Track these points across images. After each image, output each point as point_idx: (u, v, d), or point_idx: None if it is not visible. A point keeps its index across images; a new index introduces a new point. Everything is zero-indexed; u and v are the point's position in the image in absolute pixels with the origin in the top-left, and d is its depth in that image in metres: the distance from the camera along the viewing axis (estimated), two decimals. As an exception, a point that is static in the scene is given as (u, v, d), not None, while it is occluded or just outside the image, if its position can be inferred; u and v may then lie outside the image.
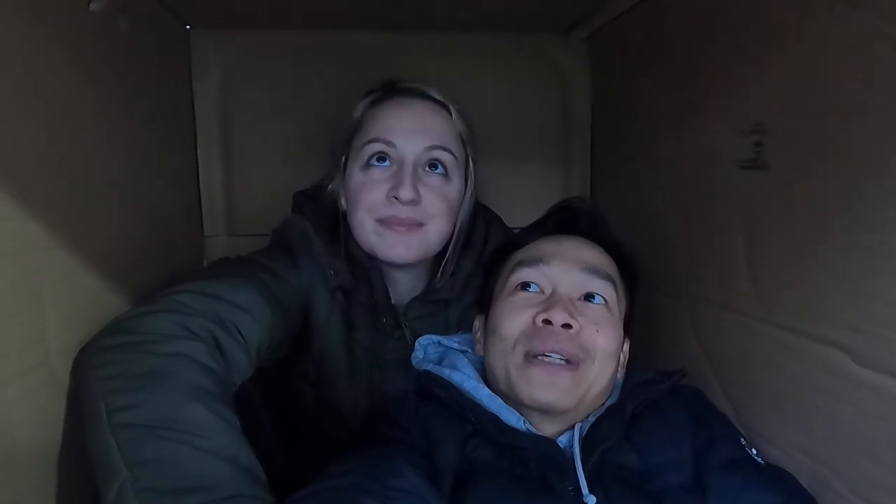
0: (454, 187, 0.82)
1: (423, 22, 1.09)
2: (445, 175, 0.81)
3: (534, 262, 0.68)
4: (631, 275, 0.73)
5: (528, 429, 0.63)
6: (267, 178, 1.13)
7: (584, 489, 0.57)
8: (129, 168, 0.76)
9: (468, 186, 0.85)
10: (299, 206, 0.86)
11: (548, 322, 0.63)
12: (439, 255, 0.84)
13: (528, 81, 1.18)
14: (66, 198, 0.60)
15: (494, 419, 0.63)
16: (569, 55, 1.18)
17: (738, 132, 0.69)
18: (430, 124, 0.80)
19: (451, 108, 0.83)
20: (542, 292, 0.67)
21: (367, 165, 0.79)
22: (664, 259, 0.88)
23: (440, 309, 0.86)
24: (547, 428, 0.64)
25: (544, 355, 0.62)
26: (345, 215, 0.83)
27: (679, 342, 0.84)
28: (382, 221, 0.78)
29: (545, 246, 0.70)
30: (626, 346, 0.71)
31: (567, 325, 0.63)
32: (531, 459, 0.60)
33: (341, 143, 0.84)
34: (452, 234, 0.84)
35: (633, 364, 0.72)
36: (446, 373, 0.69)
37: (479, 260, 0.86)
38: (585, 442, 0.61)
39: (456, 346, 0.76)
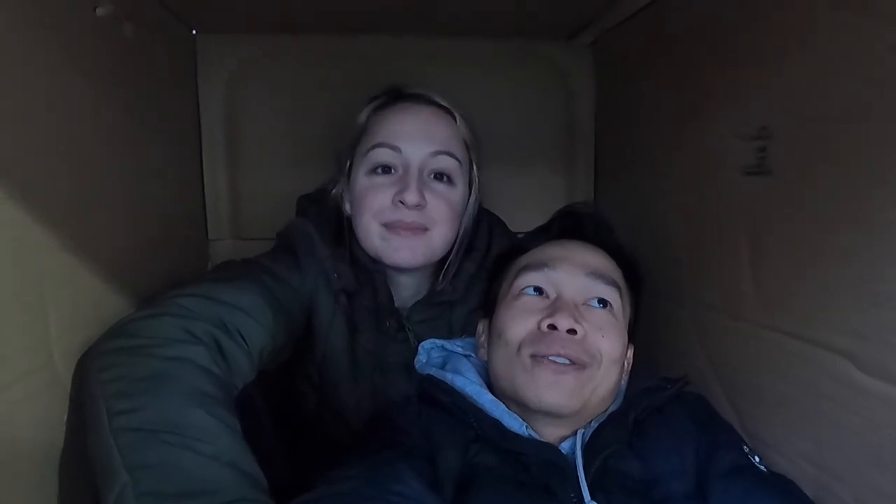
0: (458, 193, 0.82)
1: (427, 27, 1.09)
2: (450, 181, 0.81)
3: (539, 266, 0.68)
4: (636, 280, 0.73)
5: (530, 434, 0.63)
6: (271, 181, 1.13)
7: (586, 496, 0.57)
8: (133, 172, 0.77)
9: (472, 191, 0.86)
10: (303, 209, 0.86)
11: (553, 327, 0.63)
12: (443, 259, 0.85)
13: (532, 86, 1.19)
14: (70, 202, 0.60)
15: (497, 424, 0.63)
16: (572, 60, 1.18)
17: (741, 137, 0.69)
18: (435, 130, 0.81)
19: (455, 113, 0.83)
20: (547, 297, 0.67)
21: (373, 171, 0.80)
22: (668, 264, 0.87)
23: (444, 312, 0.86)
24: (549, 434, 0.64)
25: (549, 357, 0.62)
26: (349, 219, 0.83)
27: (683, 348, 0.84)
28: (388, 226, 0.79)
29: (550, 250, 0.70)
30: (631, 352, 0.71)
31: (572, 331, 0.62)
32: (533, 465, 0.60)
33: (346, 147, 0.84)
34: (456, 239, 0.84)
35: (637, 370, 0.72)
36: (449, 377, 0.68)
37: (483, 263, 0.86)
38: (588, 448, 0.61)
39: (459, 350, 0.76)
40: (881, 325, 0.53)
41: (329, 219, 0.84)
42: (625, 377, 0.70)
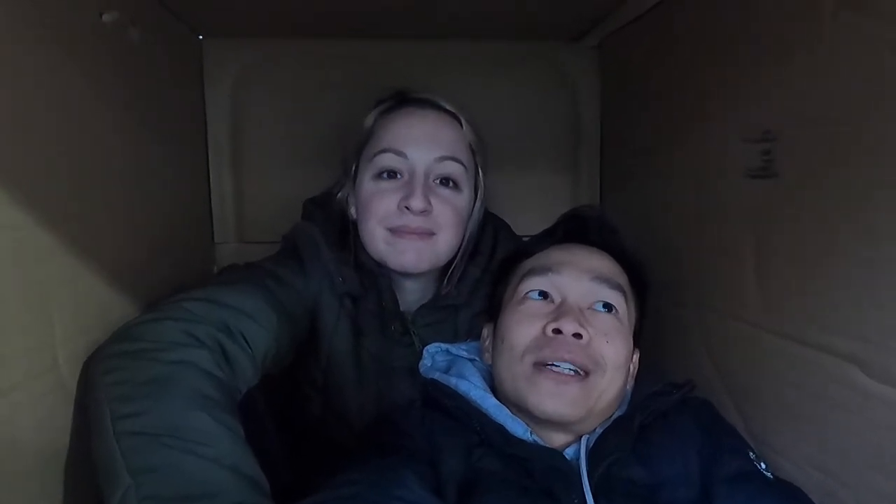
0: (464, 198, 0.82)
1: (432, 30, 1.09)
2: (456, 187, 0.81)
3: (543, 270, 0.68)
4: (641, 284, 0.72)
5: (534, 440, 0.62)
6: (277, 185, 1.14)
7: (590, 502, 0.57)
8: (139, 176, 0.77)
9: (478, 196, 0.85)
10: (309, 213, 0.86)
11: (558, 331, 0.62)
12: (447, 264, 0.84)
13: (538, 89, 1.18)
14: (75, 205, 0.61)
15: (501, 429, 0.62)
16: (578, 63, 1.18)
17: (746, 140, 0.69)
18: (441, 135, 0.81)
19: (461, 118, 0.83)
20: (552, 301, 0.66)
21: (378, 176, 0.80)
22: (672, 267, 0.87)
23: (449, 316, 0.85)
24: (554, 439, 0.64)
25: (553, 365, 0.62)
26: (354, 223, 0.83)
27: (688, 352, 0.84)
28: (393, 231, 0.79)
29: (555, 255, 0.70)
30: (636, 357, 0.71)
31: (577, 335, 0.62)
32: (537, 471, 0.60)
33: (352, 151, 0.84)
34: (462, 243, 0.84)
35: (643, 375, 0.71)
36: (453, 381, 0.68)
37: (488, 267, 0.85)
38: (592, 454, 0.61)
39: (464, 354, 0.76)
40: (887, 330, 0.52)
41: (334, 223, 0.84)
42: (630, 382, 0.70)
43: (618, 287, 0.67)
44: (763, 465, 0.61)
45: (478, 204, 0.85)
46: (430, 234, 0.79)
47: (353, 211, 0.84)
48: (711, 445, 0.62)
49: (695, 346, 0.82)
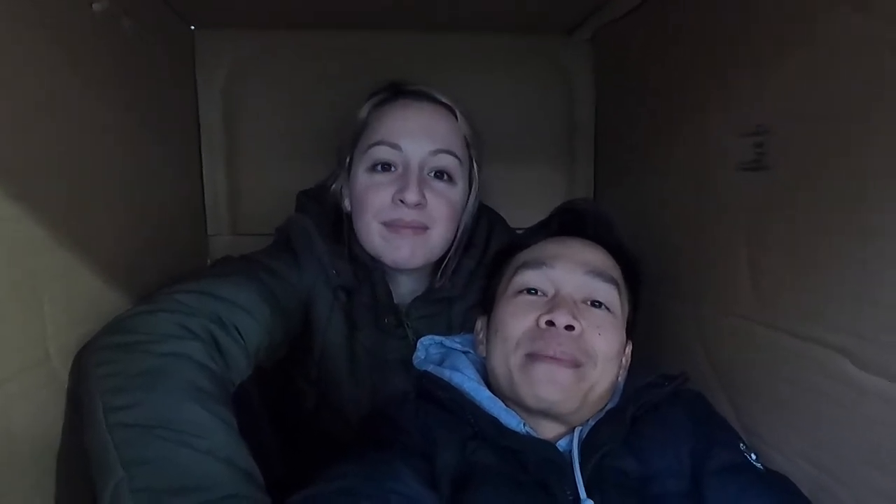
0: (458, 191, 0.82)
1: (426, 22, 1.09)
2: (450, 180, 0.81)
3: (537, 264, 0.68)
4: (635, 277, 0.72)
5: (527, 432, 0.62)
6: (270, 177, 1.14)
7: (582, 493, 0.57)
8: (131, 168, 0.77)
9: (472, 189, 0.85)
10: (302, 205, 0.86)
11: (551, 324, 0.63)
12: (442, 256, 0.84)
13: (532, 82, 1.18)
14: (67, 198, 0.60)
15: (494, 422, 0.63)
16: (572, 56, 1.18)
17: (739, 133, 0.69)
18: (436, 127, 0.80)
19: (456, 110, 0.83)
20: (546, 294, 0.66)
21: (373, 169, 0.79)
22: (666, 260, 0.87)
23: (443, 309, 0.85)
24: (547, 431, 0.64)
25: (546, 356, 0.62)
26: (349, 216, 0.83)
27: (682, 346, 0.84)
28: (388, 224, 0.78)
29: (549, 248, 0.70)
30: (629, 350, 0.71)
31: (570, 327, 0.62)
32: (530, 463, 0.60)
33: (346, 144, 0.84)
34: (456, 236, 0.83)
35: (636, 367, 0.71)
36: (447, 374, 0.68)
37: (482, 260, 0.85)
38: (585, 446, 0.61)
39: (458, 346, 0.76)
40: (878, 324, 0.53)
41: (328, 215, 0.84)
42: (623, 374, 0.70)
43: (611, 280, 0.67)
44: (754, 457, 0.61)
45: (472, 197, 0.85)
46: (424, 228, 0.79)
47: (346, 203, 0.84)
48: (703, 438, 0.62)
49: (689, 339, 0.83)
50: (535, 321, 0.64)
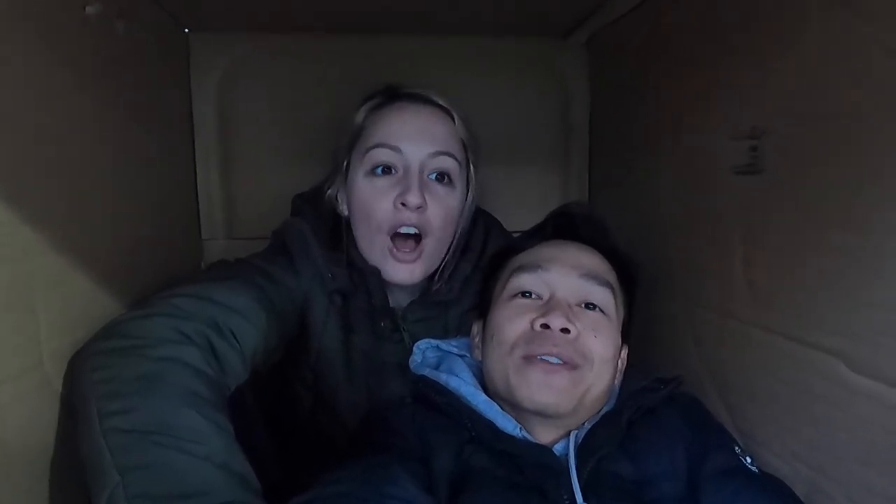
0: (457, 195, 0.82)
1: (421, 26, 1.09)
2: (450, 183, 0.81)
3: (532, 267, 0.68)
4: (630, 281, 0.73)
5: (524, 436, 0.62)
6: (265, 181, 1.13)
7: (579, 498, 0.57)
8: (126, 172, 0.76)
9: (469, 192, 0.85)
10: (298, 208, 0.85)
11: (546, 326, 0.63)
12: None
13: (527, 85, 1.18)
14: (61, 201, 0.60)
15: (491, 426, 0.63)
16: (567, 59, 1.18)
17: (734, 136, 0.69)
18: (435, 130, 0.80)
19: (453, 113, 0.83)
20: (541, 298, 0.67)
21: (372, 173, 0.79)
22: (661, 263, 0.87)
23: (439, 313, 0.85)
24: (543, 435, 0.64)
25: (541, 357, 0.62)
26: (347, 220, 0.83)
27: (676, 347, 0.84)
28: (392, 238, 0.78)
29: (544, 251, 0.70)
30: (625, 353, 0.71)
31: (565, 330, 0.62)
32: (527, 467, 0.60)
33: (342, 148, 0.83)
34: (453, 240, 0.83)
35: (631, 371, 0.72)
36: (443, 378, 0.68)
37: (478, 264, 0.85)
38: (581, 449, 0.61)
39: (454, 350, 0.76)
40: (872, 325, 0.53)
41: (324, 219, 0.83)
42: (619, 377, 0.70)
43: (606, 284, 0.68)
44: (749, 460, 0.62)
45: (469, 200, 0.85)
46: (420, 238, 0.79)
47: (343, 208, 0.84)
48: (699, 442, 0.63)
49: (683, 340, 0.83)
50: (529, 324, 0.64)
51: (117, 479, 0.48)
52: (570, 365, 0.62)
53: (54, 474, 0.56)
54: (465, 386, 0.67)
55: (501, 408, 0.65)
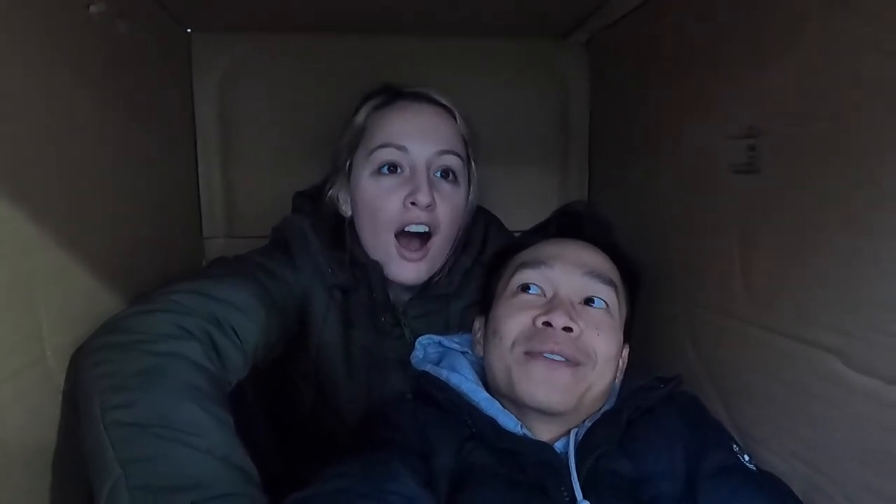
0: (462, 192, 0.83)
1: (421, 26, 1.09)
2: (455, 181, 0.81)
3: (536, 264, 0.68)
4: (633, 280, 0.73)
5: (524, 433, 0.63)
6: (266, 180, 1.13)
7: (579, 495, 0.57)
8: (127, 170, 0.76)
9: (471, 189, 0.86)
10: (298, 206, 0.86)
11: (548, 324, 0.63)
12: None
13: (527, 85, 1.19)
14: (63, 199, 0.60)
15: (492, 423, 0.63)
16: (567, 59, 1.18)
17: (732, 136, 0.69)
18: (439, 128, 0.81)
19: (455, 111, 0.83)
20: (544, 295, 0.67)
21: (378, 172, 0.79)
22: (660, 262, 0.88)
23: (440, 307, 0.86)
24: (544, 432, 0.64)
25: (543, 354, 0.62)
26: (350, 220, 0.83)
27: (674, 346, 0.84)
28: (398, 236, 0.79)
29: (548, 248, 0.70)
30: (626, 352, 0.71)
31: (568, 329, 0.63)
32: (527, 464, 0.60)
33: (343, 149, 0.83)
34: (456, 237, 0.84)
35: (631, 370, 0.72)
36: (444, 374, 0.68)
37: (478, 259, 0.86)
38: (581, 447, 0.61)
39: (456, 346, 0.76)
40: (869, 324, 0.53)
41: (324, 217, 0.84)
42: (619, 377, 0.70)
43: (610, 282, 0.68)
44: (747, 458, 0.62)
45: (471, 197, 0.86)
46: (429, 236, 0.80)
47: (346, 208, 0.84)
48: (697, 441, 0.63)
49: (681, 339, 0.83)
50: (531, 320, 0.64)
51: (119, 472, 0.49)
52: (572, 362, 0.62)
53: (56, 469, 0.57)
54: (466, 382, 0.67)
55: (502, 405, 0.65)
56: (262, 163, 1.14)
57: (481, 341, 0.71)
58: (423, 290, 0.85)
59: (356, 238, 0.82)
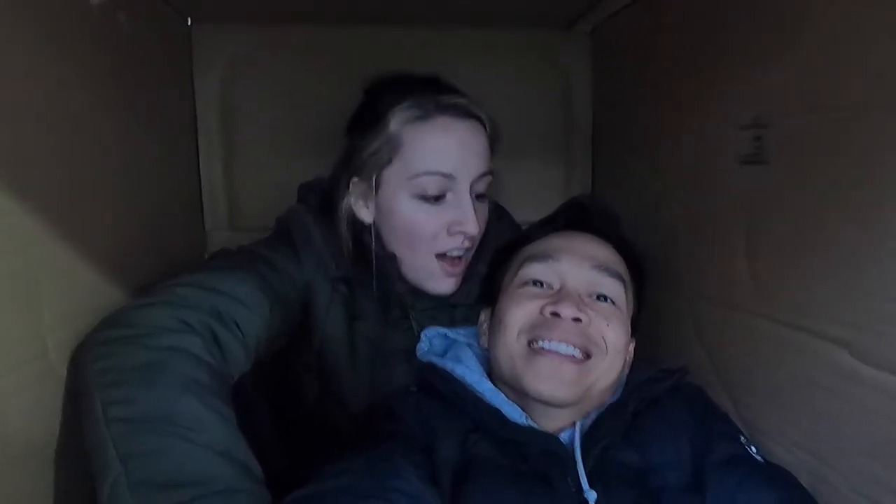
0: (487, 204, 0.83)
1: (424, 17, 1.08)
2: (485, 197, 0.81)
3: (543, 257, 0.68)
4: (640, 273, 0.72)
5: (529, 424, 0.62)
6: (268, 172, 1.13)
7: (585, 486, 0.57)
8: (129, 162, 0.76)
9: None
10: (303, 197, 0.85)
11: (556, 315, 0.62)
12: None
13: (530, 76, 1.18)
14: (65, 192, 0.60)
15: (497, 413, 0.63)
16: (571, 50, 1.18)
17: (738, 126, 0.69)
18: (479, 149, 0.78)
19: (485, 121, 0.81)
20: (551, 287, 0.66)
21: (422, 199, 0.76)
22: (665, 254, 0.87)
23: (448, 306, 0.85)
24: (549, 423, 0.64)
25: (550, 343, 0.62)
26: (372, 227, 0.80)
27: (680, 339, 0.84)
28: (440, 257, 0.78)
29: (555, 241, 0.70)
30: (632, 347, 0.71)
31: (577, 320, 0.62)
32: (532, 455, 0.60)
33: (371, 158, 0.77)
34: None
35: (636, 363, 0.71)
36: (449, 365, 0.68)
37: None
38: (586, 438, 0.61)
39: (462, 338, 0.75)
40: (876, 315, 0.53)
41: (327, 208, 0.82)
42: (626, 370, 0.70)
43: (617, 276, 0.67)
44: (754, 450, 0.62)
45: (490, 204, 0.86)
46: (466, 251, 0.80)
47: (364, 214, 0.80)
48: (703, 432, 0.62)
49: (686, 331, 0.83)
50: (538, 309, 0.64)
51: (120, 468, 0.49)
52: (581, 355, 0.62)
53: (58, 463, 0.57)
54: (470, 374, 0.66)
55: (507, 396, 0.65)
56: (265, 155, 1.14)
57: (487, 332, 0.71)
58: (438, 297, 0.83)
59: (379, 239, 0.80)
